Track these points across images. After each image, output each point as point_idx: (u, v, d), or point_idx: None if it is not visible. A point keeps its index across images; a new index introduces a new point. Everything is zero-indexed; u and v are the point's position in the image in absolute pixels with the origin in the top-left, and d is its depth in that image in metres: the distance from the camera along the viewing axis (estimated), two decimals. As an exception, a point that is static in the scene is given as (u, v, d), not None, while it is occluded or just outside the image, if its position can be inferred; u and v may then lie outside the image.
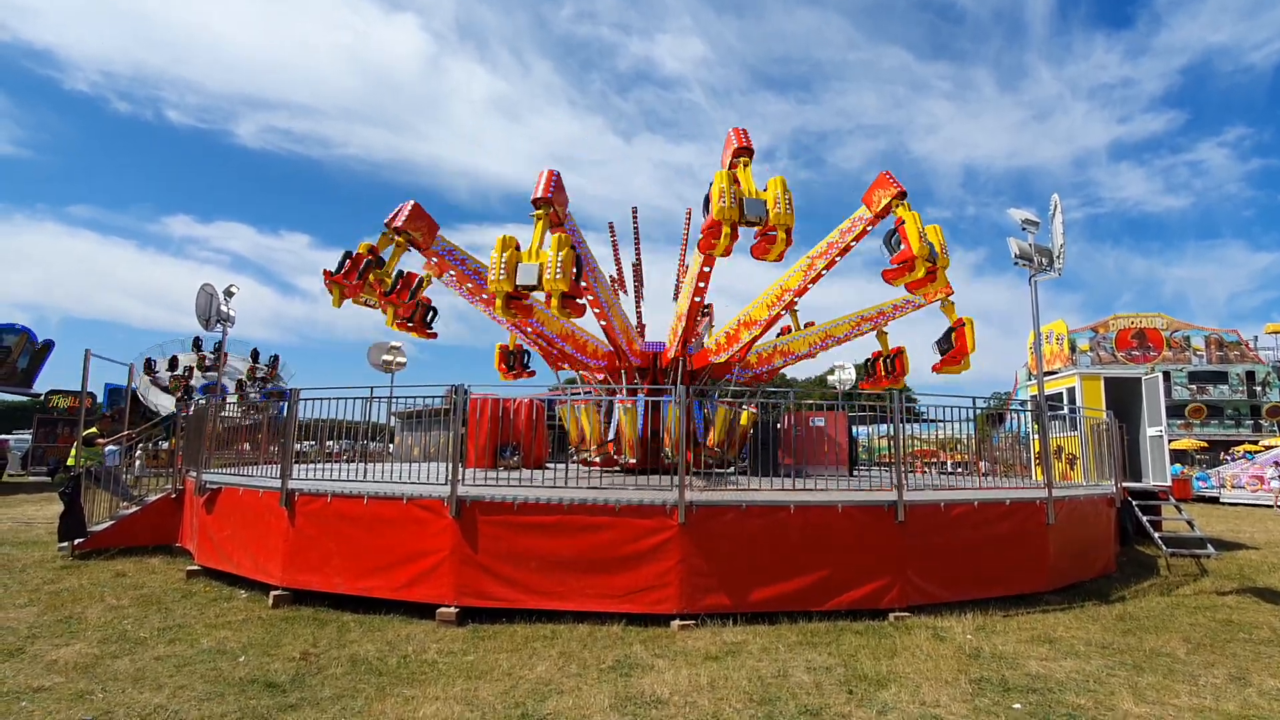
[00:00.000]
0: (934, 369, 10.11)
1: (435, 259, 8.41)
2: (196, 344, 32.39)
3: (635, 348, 11.21)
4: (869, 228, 8.03)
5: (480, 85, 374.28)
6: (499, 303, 7.04)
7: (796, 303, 9.94)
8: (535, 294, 7.13)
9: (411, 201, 7.80)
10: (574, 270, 6.94)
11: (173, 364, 30.23)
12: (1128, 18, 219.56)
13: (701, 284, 8.95)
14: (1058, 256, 8.33)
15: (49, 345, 26.98)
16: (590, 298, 8.74)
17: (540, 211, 7.35)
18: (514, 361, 13.18)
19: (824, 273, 8.76)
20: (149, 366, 29.66)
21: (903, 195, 7.42)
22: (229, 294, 11.17)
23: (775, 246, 6.78)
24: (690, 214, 14.85)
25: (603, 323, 9.86)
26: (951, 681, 4.87)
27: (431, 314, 10.83)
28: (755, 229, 6.68)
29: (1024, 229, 8.38)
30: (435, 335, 10.92)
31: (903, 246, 7.36)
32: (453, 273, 8.95)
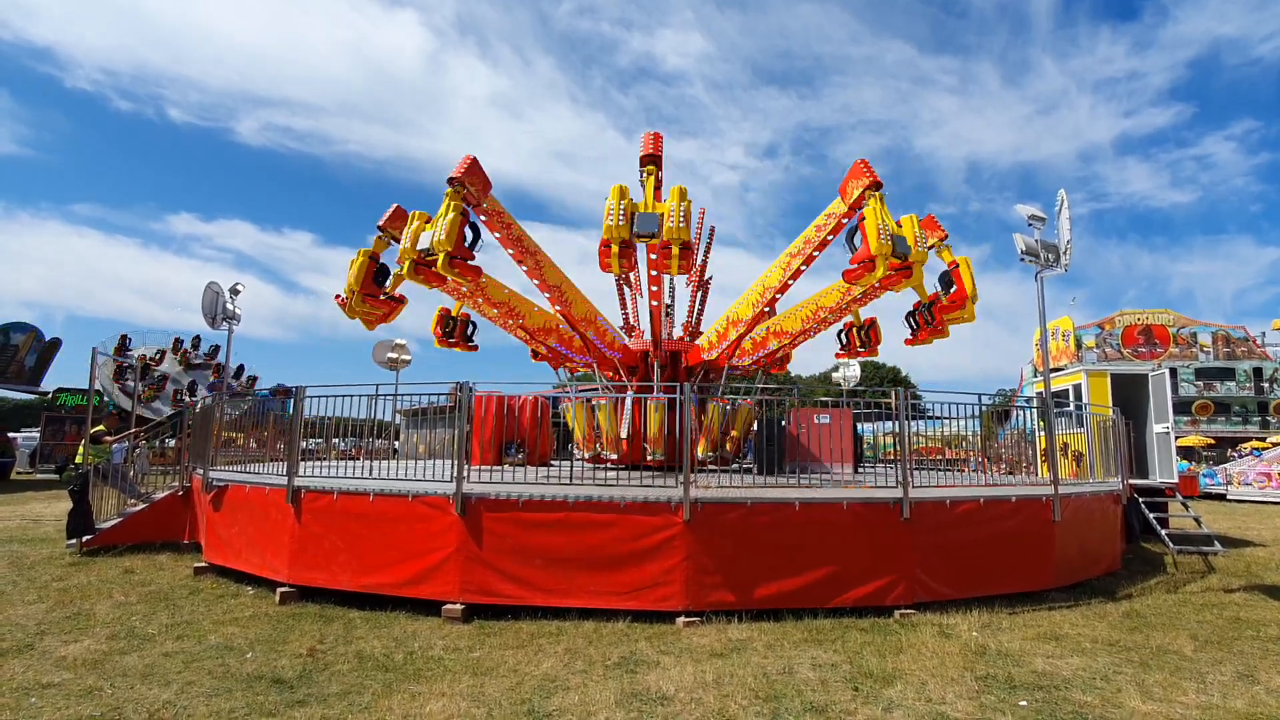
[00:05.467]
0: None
1: (484, 217, 8.31)
2: (177, 344, 29.59)
3: (616, 342, 11.03)
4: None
5: (481, 82, 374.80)
6: (614, 249, 7.13)
7: (779, 299, 9.84)
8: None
9: (471, 155, 7.75)
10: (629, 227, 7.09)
11: (145, 372, 27.03)
12: (1133, 10, 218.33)
13: (779, 296, 8.86)
14: (1064, 252, 8.28)
15: (56, 343, 27.14)
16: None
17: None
18: (453, 330, 12.14)
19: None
20: (119, 373, 26.69)
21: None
22: (234, 292, 11.19)
23: (909, 281, 7.55)
24: (703, 213, 14.76)
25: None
26: (957, 679, 4.86)
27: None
28: (892, 261, 6.95)
29: (1030, 224, 8.31)
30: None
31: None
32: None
